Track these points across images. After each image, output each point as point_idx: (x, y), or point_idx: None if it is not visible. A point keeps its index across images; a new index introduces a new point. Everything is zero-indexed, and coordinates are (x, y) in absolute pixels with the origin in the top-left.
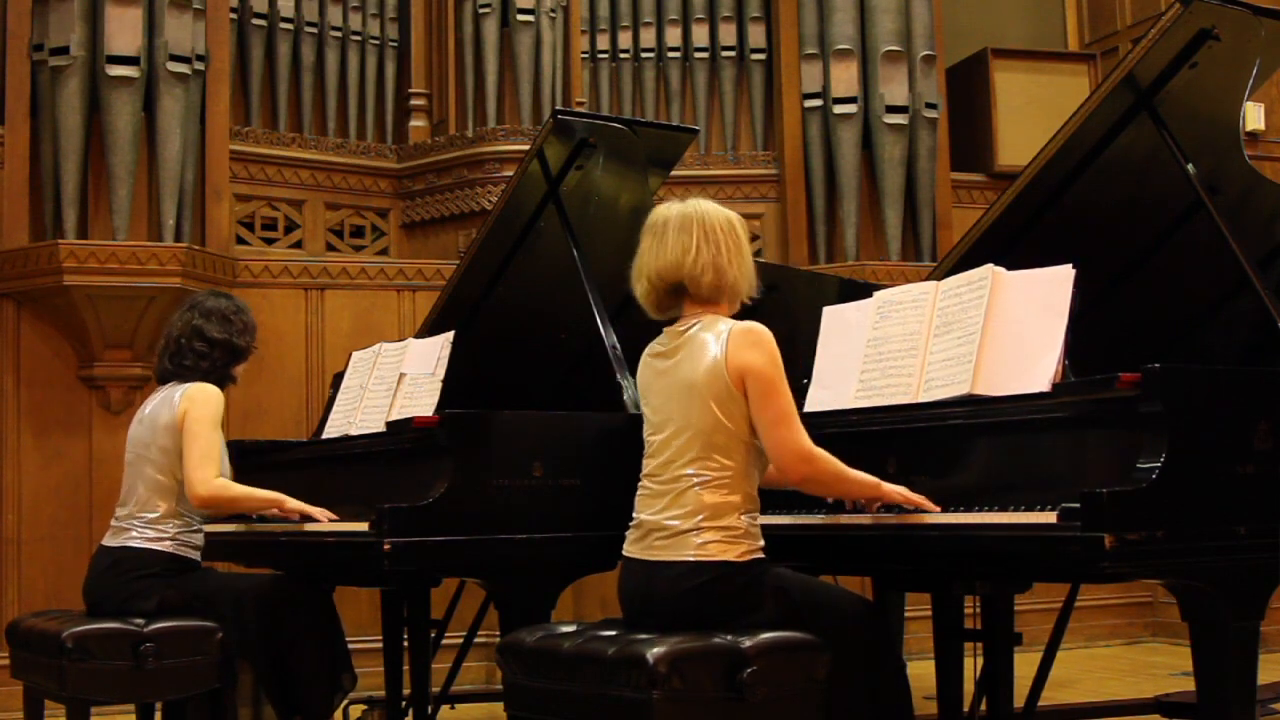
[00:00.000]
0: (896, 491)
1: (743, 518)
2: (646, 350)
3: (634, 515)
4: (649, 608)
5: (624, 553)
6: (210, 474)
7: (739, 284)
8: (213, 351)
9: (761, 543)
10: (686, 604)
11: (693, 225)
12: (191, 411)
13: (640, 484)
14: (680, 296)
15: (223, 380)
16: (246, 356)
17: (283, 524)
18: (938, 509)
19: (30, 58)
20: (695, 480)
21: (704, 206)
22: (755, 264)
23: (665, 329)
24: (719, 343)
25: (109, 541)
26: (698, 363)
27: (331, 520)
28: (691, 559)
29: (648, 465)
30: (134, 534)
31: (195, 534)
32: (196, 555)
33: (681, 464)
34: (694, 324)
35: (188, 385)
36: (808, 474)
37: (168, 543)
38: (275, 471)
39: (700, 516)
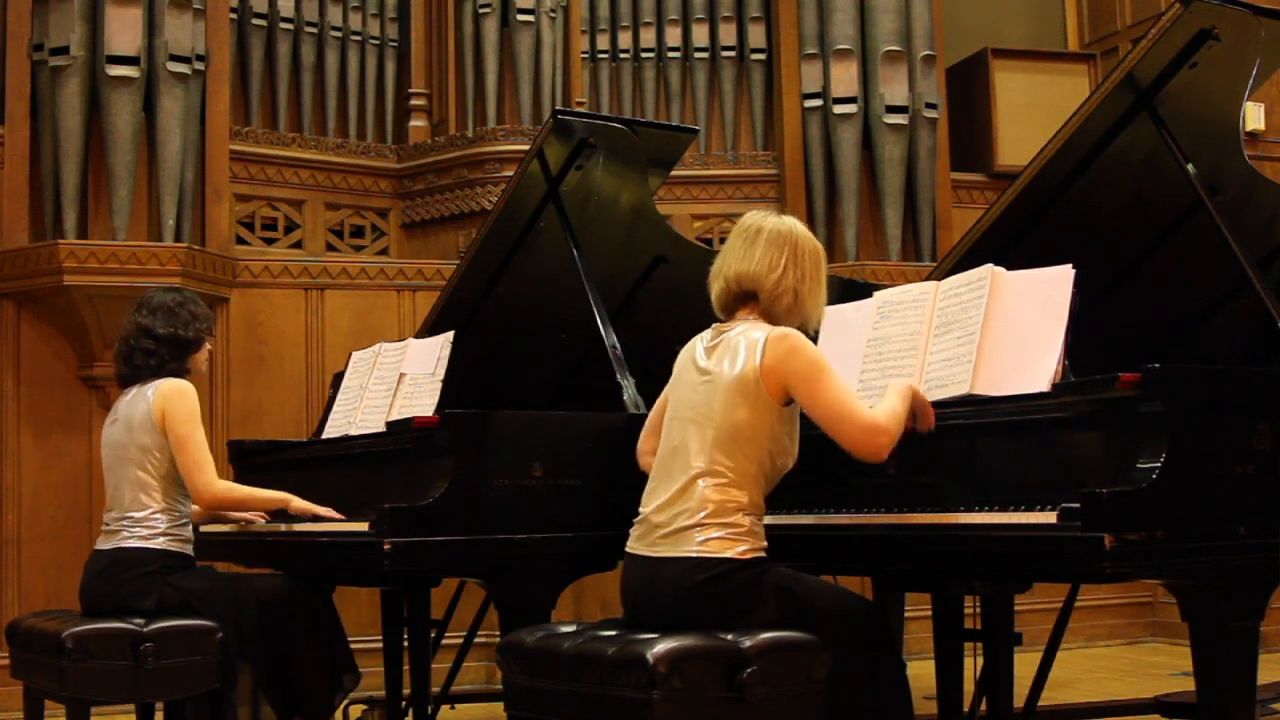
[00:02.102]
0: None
1: (746, 517)
2: (695, 339)
3: (639, 510)
4: (651, 605)
5: (627, 549)
6: (211, 477)
7: (811, 314)
8: (160, 348)
9: (764, 542)
10: (688, 601)
11: (785, 245)
12: (170, 414)
13: (651, 477)
14: (746, 303)
15: (179, 374)
16: (199, 347)
17: (281, 524)
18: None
19: (30, 58)
20: (703, 475)
21: (799, 230)
22: None
23: (714, 324)
24: (756, 350)
25: (102, 545)
26: (732, 363)
27: (339, 519)
28: (693, 555)
29: (659, 454)
30: (126, 534)
31: (186, 528)
32: (190, 550)
33: (693, 456)
34: (740, 326)
35: (159, 382)
36: (886, 442)
37: (161, 539)
38: (275, 471)
39: (704, 513)
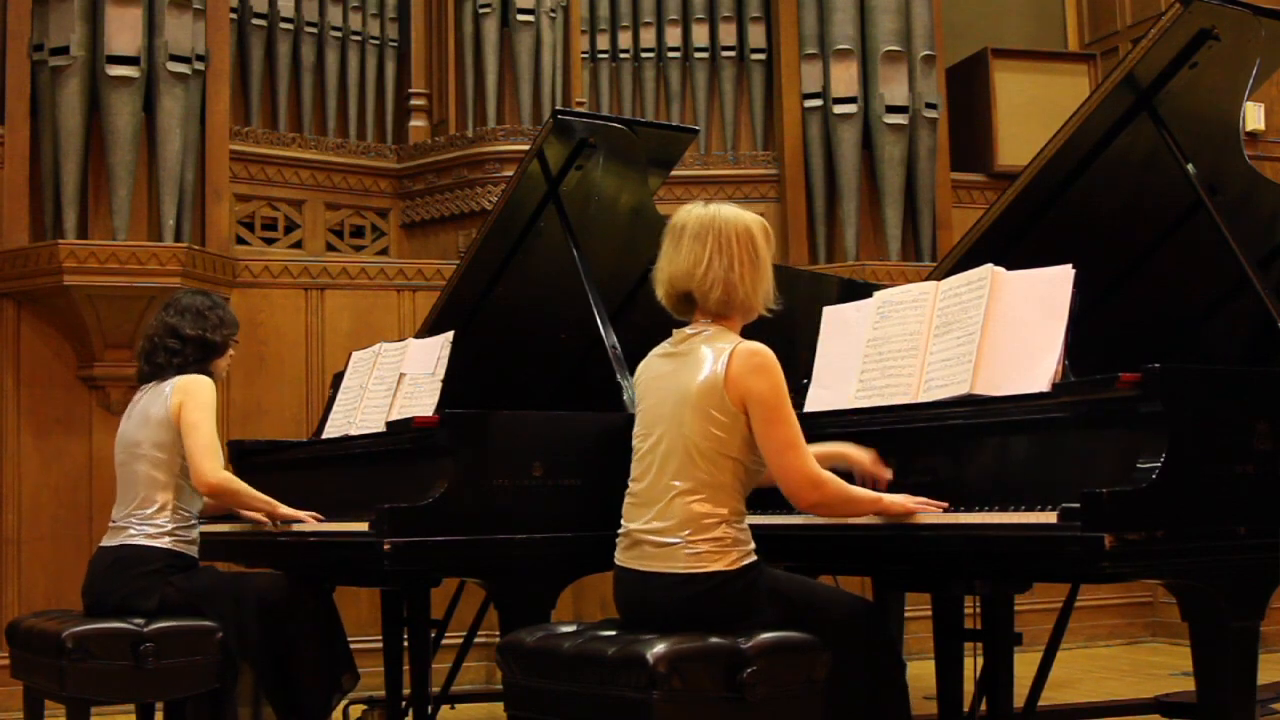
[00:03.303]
0: (897, 504)
1: (730, 528)
2: (655, 350)
3: (621, 524)
4: (646, 617)
5: (616, 561)
6: (217, 464)
7: (751, 299)
8: (185, 348)
9: (752, 545)
10: (683, 614)
11: (708, 235)
12: (187, 403)
13: (627, 492)
14: (691, 304)
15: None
16: (223, 351)
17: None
18: (941, 506)
19: (30, 58)
20: (681, 489)
21: (723, 215)
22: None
23: (675, 330)
24: (721, 359)
25: (108, 542)
26: (696, 374)
27: (318, 520)
28: (683, 571)
29: (635, 470)
30: (132, 532)
31: (192, 529)
32: (194, 551)
33: (668, 473)
34: (701, 332)
35: (177, 378)
36: (816, 500)
37: (166, 539)
38: (275, 471)
39: (688, 531)
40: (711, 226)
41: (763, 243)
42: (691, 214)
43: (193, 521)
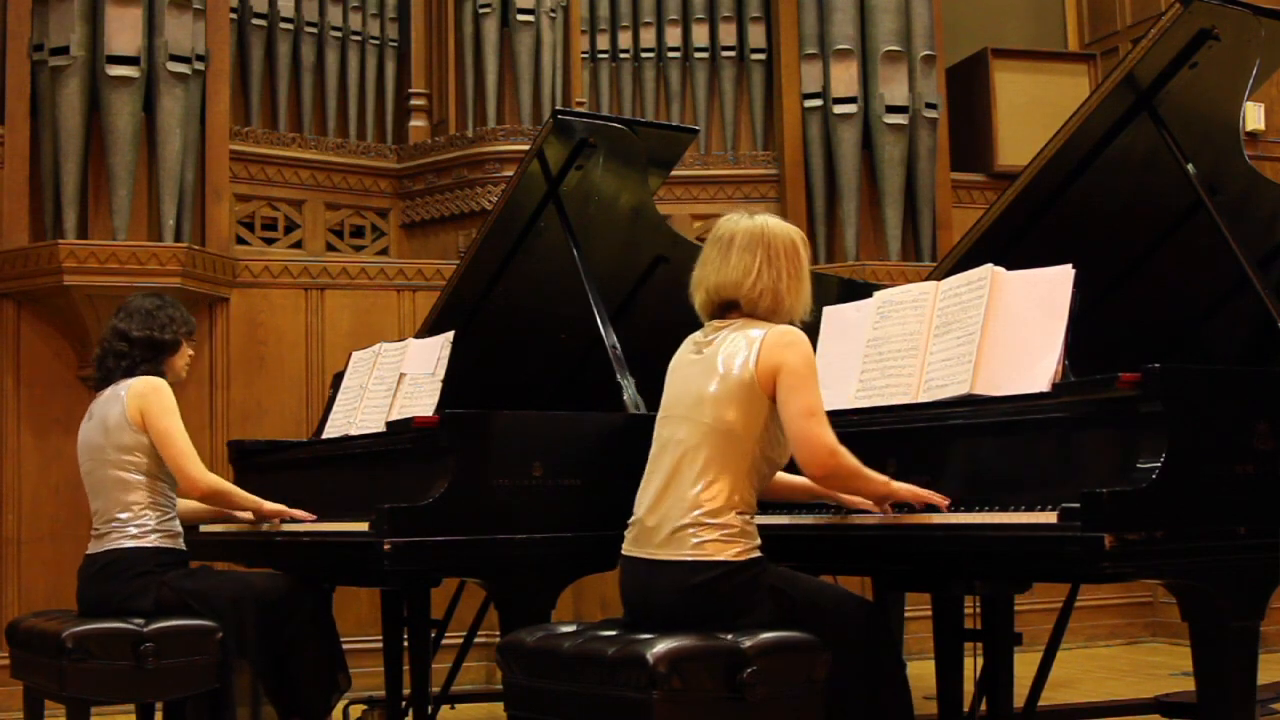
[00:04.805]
0: (906, 489)
1: (739, 517)
2: (689, 338)
3: (634, 511)
4: (649, 608)
5: (623, 551)
6: (202, 468)
7: (794, 308)
8: (132, 350)
9: (758, 541)
10: (687, 604)
11: (757, 247)
12: (148, 411)
13: (644, 478)
14: (729, 311)
15: (152, 375)
16: (175, 349)
17: (281, 524)
18: (947, 501)
19: (30, 58)
20: (694, 476)
21: (771, 226)
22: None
23: (708, 322)
24: (753, 344)
25: (94, 549)
26: (726, 361)
27: (310, 520)
28: (689, 558)
29: (651, 457)
30: (116, 535)
31: (174, 522)
32: (181, 543)
33: (683, 457)
34: (734, 323)
35: (131, 380)
36: (832, 468)
37: (152, 536)
38: (275, 471)
39: (697, 513)
40: (761, 239)
41: (804, 256)
42: (740, 225)
43: (172, 514)
